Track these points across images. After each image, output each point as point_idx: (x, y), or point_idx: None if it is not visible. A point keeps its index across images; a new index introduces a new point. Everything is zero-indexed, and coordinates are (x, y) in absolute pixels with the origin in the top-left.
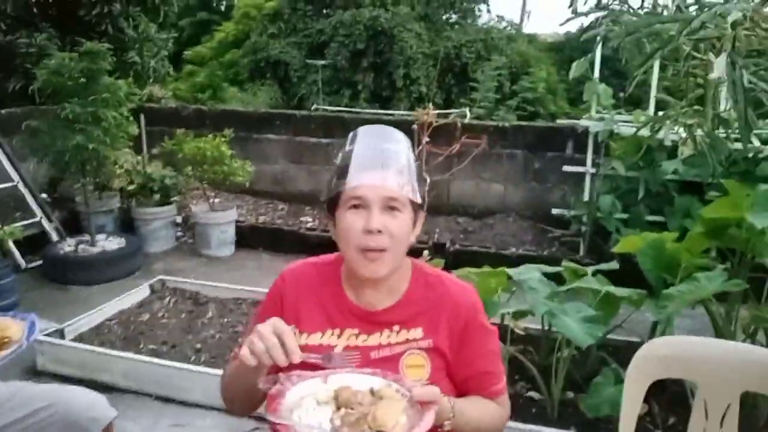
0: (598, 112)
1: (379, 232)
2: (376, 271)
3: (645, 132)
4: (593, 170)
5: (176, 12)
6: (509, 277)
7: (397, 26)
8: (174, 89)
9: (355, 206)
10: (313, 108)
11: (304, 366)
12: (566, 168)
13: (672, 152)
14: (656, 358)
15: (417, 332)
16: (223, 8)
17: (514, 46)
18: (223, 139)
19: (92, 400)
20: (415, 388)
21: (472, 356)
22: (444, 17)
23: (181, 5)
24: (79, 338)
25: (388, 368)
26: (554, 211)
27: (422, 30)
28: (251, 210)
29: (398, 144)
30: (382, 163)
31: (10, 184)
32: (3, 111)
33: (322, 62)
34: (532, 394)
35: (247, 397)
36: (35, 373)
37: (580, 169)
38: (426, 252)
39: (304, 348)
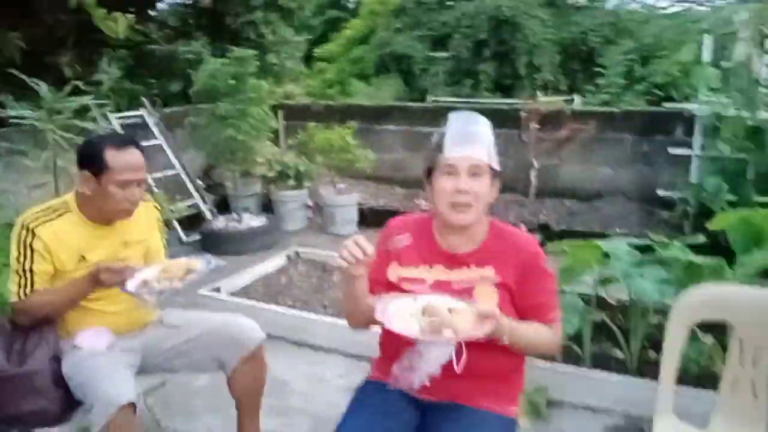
0: (706, 95)
1: (466, 192)
2: (464, 219)
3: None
4: (700, 153)
5: (310, 14)
6: (605, 253)
7: (521, 14)
8: (306, 86)
9: (448, 172)
10: (430, 100)
11: (401, 290)
12: (672, 150)
13: None
14: (696, 303)
15: (489, 270)
16: (351, 5)
17: (647, 28)
18: (347, 131)
19: (248, 323)
20: (479, 305)
21: (532, 291)
22: (570, 1)
23: (313, 6)
24: (233, 294)
25: (465, 295)
26: (660, 192)
27: (547, 16)
28: (372, 194)
29: (481, 126)
30: (469, 140)
31: (173, 172)
32: (167, 110)
33: (444, 54)
34: (618, 353)
35: (359, 311)
36: None
37: (685, 151)
38: (523, 225)
39: (403, 278)
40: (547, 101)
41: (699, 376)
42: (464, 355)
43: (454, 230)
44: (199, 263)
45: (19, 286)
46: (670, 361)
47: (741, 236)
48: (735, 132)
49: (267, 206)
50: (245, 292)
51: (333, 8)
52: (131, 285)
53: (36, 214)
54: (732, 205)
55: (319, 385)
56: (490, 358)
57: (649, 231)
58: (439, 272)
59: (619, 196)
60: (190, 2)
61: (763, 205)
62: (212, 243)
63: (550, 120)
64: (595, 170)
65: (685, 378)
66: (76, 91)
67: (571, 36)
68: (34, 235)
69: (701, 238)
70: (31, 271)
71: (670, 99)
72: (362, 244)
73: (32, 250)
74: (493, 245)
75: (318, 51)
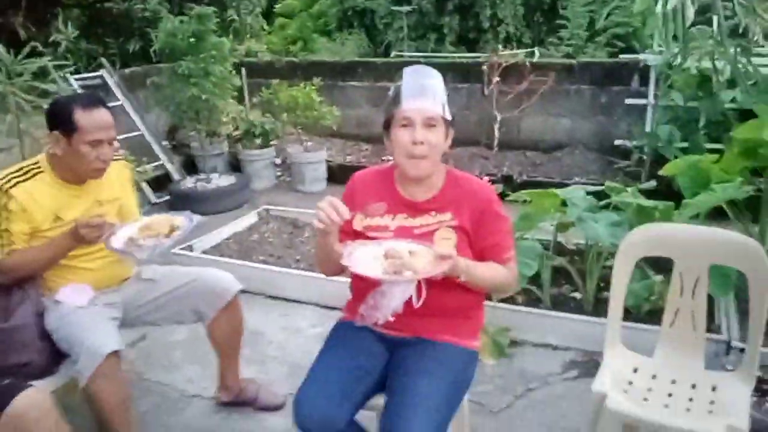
0: (659, 45)
1: (422, 143)
2: (421, 170)
3: (691, 63)
4: (654, 102)
5: None
6: (564, 202)
7: None
8: (267, 42)
9: (405, 125)
10: (393, 55)
11: (367, 238)
12: (628, 101)
13: (732, 82)
14: (640, 241)
15: (447, 215)
16: None
17: None
18: (312, 88)
19: (224, 275)
20: (437, 247)
21: (487, 233)
22: None
23: None
24: (205, 252)
25: (426, 240)
26: (617, 142)
27: None
28: (339, 151)
29: (434, 79)
30: (423, 93)
31: (137, 133)
32: (127, 70)
33: (408, 8)
34: (575, 294)
35: (330, 260)
36: None
37: (641, 101)
38: (486, 178)
39: (368, 226)
40: (508, 54)
41: (650, 312)
42: (424, 293)
43: (413, 180)
44: (181, 220)
45: None
46: (618, 294)
47: (689, 181)
48: (686, 81)
49: (235, 165)
50: (218, 249)
51: None
52: (117, 243)
53: (9, 175)
54: (684, 152)
55: (293, 335)
56: (450, 297)
57: (608, 180)
58: (402, 220)
59: (579, 147)
60: None
61: (713, 152)
62: (182, 203)
63: (511, 73)
64: (556, 122)
65: (637, 315)
66: (33, 53)
67: None
68: (8, 196)
69: (653, 184)
70: (8, 231)
71: (632, 50)
72: (338, 208)
73: (8, 211)
74: (450, 192)
75: (279, 6)
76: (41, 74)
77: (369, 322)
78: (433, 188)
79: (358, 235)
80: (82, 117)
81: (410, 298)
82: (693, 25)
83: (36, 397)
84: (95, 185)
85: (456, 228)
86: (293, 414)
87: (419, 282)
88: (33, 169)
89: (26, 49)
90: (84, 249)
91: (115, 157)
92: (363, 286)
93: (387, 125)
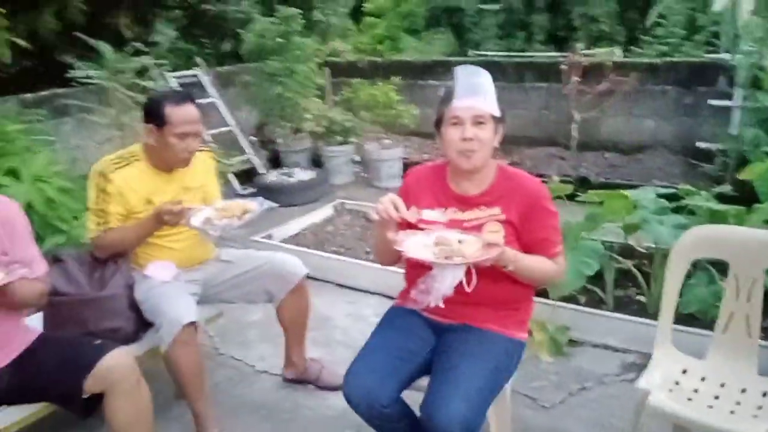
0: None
1: (471, 139)
2: (471, 163)
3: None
4: (741, 103)
5: None
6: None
7: None
8: (355, 42)
9: (455, 123)
10: (472, 54)
11: (418, 228)
12: (712, 102)
13: None
14: (694, 242)
15: (496, 210)
16: None
17: None
18: (391, 87)
19: (293, 260)
20: (485, 236)
21: (535, 227)
22: None
23: None
24: (283, 241)
25: (475, 232)
26: (700, 145)
27: None
28: (417, 149)
29: (483, 77)
30: (472, 92)
31: (228, 128)
32: (220, 69)
33: (496, 6)
34: (640, 297)
35: (387, 250)
36: None
37: (726, 102)
38: (556, 177)
39: (421, 220)
40: (590, 53)
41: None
42: (474, 278)
43: (464, 175)
44: (254, 204)
45: (97, 224)
46: (670, 294)
47: (767, 185)
48: None
49: (316, 161)
50: (295, 239)
51: None
52: (196, 221)
53: (109, 162)
54: None
55: (358, 322)
56: (499, 288)
57: (690, 184)
58: (452, 214)
59: (661, 149)
60: None
61: None
62: (265, 195)
63: (592, 72)
64: (638, 123)
65: (703, 320)
66: (136, 52)
67: None
68: (108, 180)
69: (728, 188)
70: (106, 211)
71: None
72: (397, 204)
73: (107, 194)
74: (500, 187)
75: (367, 6)
76: (142, 72)
77: (420, 305)
78: (483, 183)
79: (411, 228)
80: (172, 112)
81: (460, 284)
82: None
83: (121, 358)
84: (183, 173)
85: (504, 222)
86: (342, 388)
87: (469, 268)
88: (130, 157)
89: (129, 49)
90: (169, 230)
91: (200, 148)
92: (416, 275)
93: (438, 124)
